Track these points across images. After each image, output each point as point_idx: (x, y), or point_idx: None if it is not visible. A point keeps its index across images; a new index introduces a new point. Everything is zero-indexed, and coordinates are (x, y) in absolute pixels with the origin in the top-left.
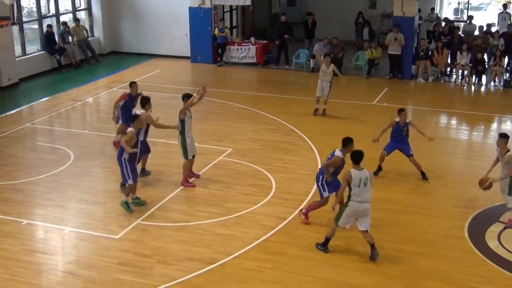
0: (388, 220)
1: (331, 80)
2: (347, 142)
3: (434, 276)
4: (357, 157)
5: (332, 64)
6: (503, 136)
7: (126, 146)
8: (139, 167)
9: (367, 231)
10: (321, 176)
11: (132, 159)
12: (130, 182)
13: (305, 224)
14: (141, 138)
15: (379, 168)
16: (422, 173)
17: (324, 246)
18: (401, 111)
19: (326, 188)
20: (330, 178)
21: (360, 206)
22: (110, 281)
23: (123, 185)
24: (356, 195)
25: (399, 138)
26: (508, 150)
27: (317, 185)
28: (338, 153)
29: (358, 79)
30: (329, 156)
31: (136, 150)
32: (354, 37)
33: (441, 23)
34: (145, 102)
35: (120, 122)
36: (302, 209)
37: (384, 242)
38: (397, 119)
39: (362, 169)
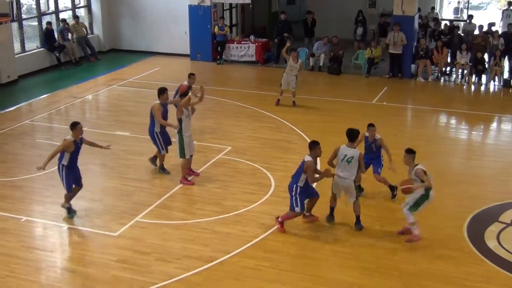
0: (387, 218)
1: (296, 74)
2: (313, 145)
3: (433, 276)
4: (351, 134)
5: (300, 60)
6: (409, 152)
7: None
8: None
9: (355, 201)
10: (294, 186)
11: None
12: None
13: (282, 233)
14: (157, 129)
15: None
16: (391, 188)
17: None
18: (369, 126)
19: (299, 204)
20: (314, 180)
21: (341, 181)
22: (108, 278)
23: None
24: (339, 169)
25: (369, 154)
26: (417, 165)
27: (291, 197)
28: (307, 158)
29: (358, 78)
30: (300, 164)
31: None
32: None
33: (440, 22)
34: (159, 92)
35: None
36: (278, 217)
37: (382, 241)
38: (366, 134)
39: (354, 148)
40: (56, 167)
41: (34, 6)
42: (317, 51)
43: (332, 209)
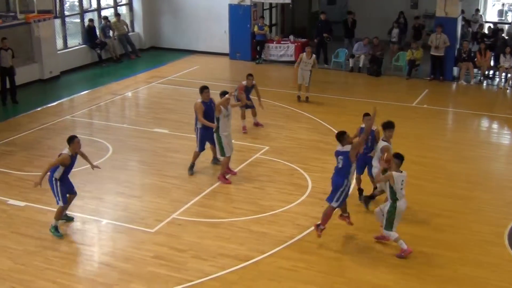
0: (424, 223)
1: (311, 69)
2: (340, 137)
3: (471, 282)
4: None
5: (313, 55)
6: (397, 157)
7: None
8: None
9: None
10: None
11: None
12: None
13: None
14: (199, 125)
15: (360, 192)
16: (366, 198)
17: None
18: (365, 115)
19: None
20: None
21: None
22: (144, 274)
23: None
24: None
25: (364, 150)
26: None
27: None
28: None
29: (398, 79)
30: (343, 158)
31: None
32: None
33: (484, 25)
34: (200, 91)
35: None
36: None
37: (420, 246)
38: (362, 125)
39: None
40: (50, 177)
41: (77, 3)
42: (357, 52)
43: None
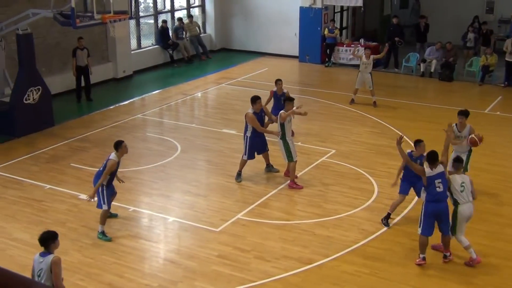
0: (494, 233)
1: (371, 71)
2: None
3: None
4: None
5: (372, 56)
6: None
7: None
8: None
9: None
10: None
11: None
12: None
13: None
14: (248, 134)
15: (388, 216)
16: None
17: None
18: (418, 142)
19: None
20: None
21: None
22: (209, 272)
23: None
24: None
25: (411, 173)
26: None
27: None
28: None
29: (471, 85)
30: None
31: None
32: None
33: None
34: (252, 101)
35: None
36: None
37: (489, 257)
38: (410, 151)
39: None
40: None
41: (151, 5)
42: (428, 57)
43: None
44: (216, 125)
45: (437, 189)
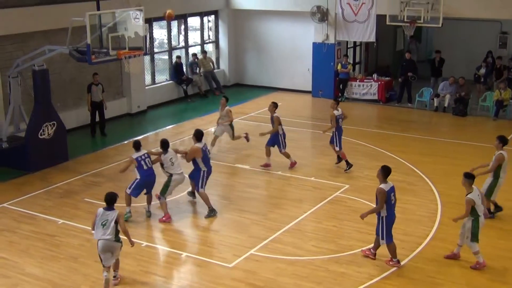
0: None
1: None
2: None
3: None
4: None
5: (227, 107)
6: (467, 177)
7: None
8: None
9: None
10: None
11: None
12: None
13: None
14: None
15: None
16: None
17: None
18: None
19: None
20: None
21: None
22: None
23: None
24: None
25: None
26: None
27: None
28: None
29: (485, 120)
30: None
31: None
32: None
33: None
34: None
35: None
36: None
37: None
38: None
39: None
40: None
41: (166, 41)
42: (442, 92)
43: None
44: (230, 160)
45: (392, 201)
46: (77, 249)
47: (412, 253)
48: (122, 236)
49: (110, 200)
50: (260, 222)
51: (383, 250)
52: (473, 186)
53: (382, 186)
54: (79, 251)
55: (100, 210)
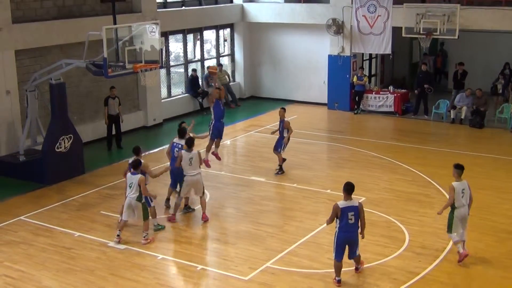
0: None
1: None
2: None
3: None
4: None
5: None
6: (456, 167)
7: None
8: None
9: None
10: None
11: None
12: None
13: None
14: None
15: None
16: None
17: None
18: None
19: None
20: None
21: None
22: None
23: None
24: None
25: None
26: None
27: None
28: None
29: (502, 132)
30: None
31: None
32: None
33: None
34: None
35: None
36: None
37: None
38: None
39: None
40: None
41: (182, 54)
42: (459, 104)
43: None
44: (245, 173)
45: (349, 221)
46: (93, 261)
47: (430, 266)
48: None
49: (135, 165)
50: (276, 235)
51: (394, 262)
52: (463, 179)
53: (340, 202)
54: (96, 264)
55: (129, 174)
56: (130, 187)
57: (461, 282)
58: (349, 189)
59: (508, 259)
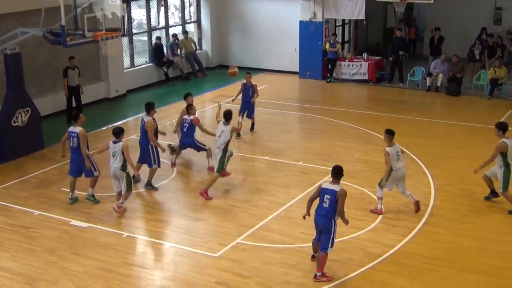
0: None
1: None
2: None
3: None
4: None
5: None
6: (387, 132)
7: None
8: None
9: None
10: None
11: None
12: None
13: None
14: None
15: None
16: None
17: None
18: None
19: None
20: None
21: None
22: None
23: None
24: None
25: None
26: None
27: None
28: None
29: (479, 100)
30: None
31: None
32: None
33: None
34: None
35: None
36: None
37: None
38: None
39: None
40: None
41: (145, 22)
42: (434, 71)
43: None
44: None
45: (323, 203)
46: (54, 241)
47: (405, 238)
48: None
49: (116, 133)
50: (247, 210)
51: (369, 235)
52: (394, 142)
53: (325, 184)
54: (57, 243)
55: (110, 143)
56: (114, 156)
57: (437, 254)
58: (335, 172)
59: (483, 229)
